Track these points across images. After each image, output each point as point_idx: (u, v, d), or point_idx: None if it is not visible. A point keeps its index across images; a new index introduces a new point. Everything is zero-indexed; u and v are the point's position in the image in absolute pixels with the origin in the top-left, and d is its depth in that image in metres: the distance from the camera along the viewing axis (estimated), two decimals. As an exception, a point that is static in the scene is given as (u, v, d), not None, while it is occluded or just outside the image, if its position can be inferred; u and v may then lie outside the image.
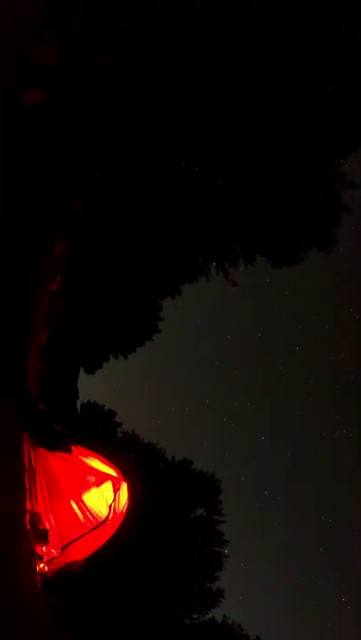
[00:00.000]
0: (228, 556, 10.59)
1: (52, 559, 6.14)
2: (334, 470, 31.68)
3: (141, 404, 31.34)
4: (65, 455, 6.57)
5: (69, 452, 6.56)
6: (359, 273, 28.57)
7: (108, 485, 6.71)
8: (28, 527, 5.84)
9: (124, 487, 6.66)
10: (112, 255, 8.87)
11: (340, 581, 29.84)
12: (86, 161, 7.37)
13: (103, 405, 11.20)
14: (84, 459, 6.69)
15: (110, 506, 6.48)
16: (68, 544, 6.29)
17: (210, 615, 10.32)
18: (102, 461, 6.73)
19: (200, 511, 10.59)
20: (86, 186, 7.59)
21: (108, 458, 6.79)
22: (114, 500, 6.55)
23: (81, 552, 6.37)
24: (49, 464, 6.56)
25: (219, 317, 32.38)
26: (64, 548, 6.28)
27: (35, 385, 7.23)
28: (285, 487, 32.37)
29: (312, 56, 7.21)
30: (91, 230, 8.14)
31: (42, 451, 6.54)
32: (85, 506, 6.59)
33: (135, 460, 10.36)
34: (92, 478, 6.72)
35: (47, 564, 6.06)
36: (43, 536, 6.13)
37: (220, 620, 10.34)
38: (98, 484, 6.72)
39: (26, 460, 6.13)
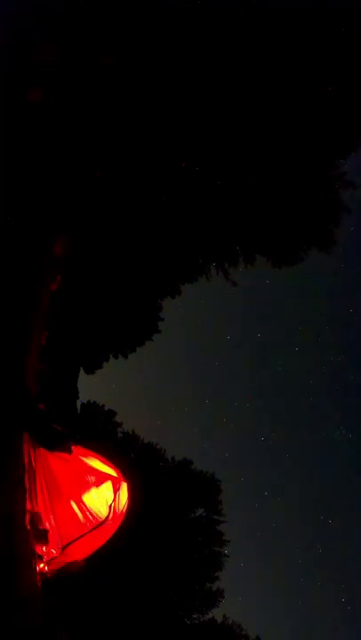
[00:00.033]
0: (228, 556, 10.60)
1: (52, 559, 6.14)
2: (334, 471, 31.71)
3: (141, 404, 31.36)
4: (65, 455, 6.57)
5: (69, 452, 6.56)
6: (359, 273, 28.58)
7: (108, 485, 6.71)
8: (28, 527, 5.83)
9: (124, 487, 6.67)
10: (112, 255, 8.87)
11: (340, 582, 29.86)
12: (86, 161, 7.37)
13: (103, 405, 11.20)
14: (84, 459, 6.69)
15: (110, 506, 6.49)
16: (68, 544, 6.30)
17: (210, 615, 10.32)
18: (102, 461, 6.73)
19: (200, 511, 10.59)
20: (86, 186, 7.59)
21: (108, 458, 6.79)
22: (114, 500, 6.55)
23: (81, 552, 6.37)
24: (49, 464, 6.56)
25: (219, 317, 32.40)
26: (64, 547, 6.28)
27: (35, 385, 7.23)
28: (285, 487, 32.38)
29: (312, 56, 7.21)
30: (91, 230, 8.14)
31: (42, 451, 6.54)
32: (85, 506, 6.59)
33: (135, 460, 10.36)
34: (92, 478, 6.72)
35: (47, 563, 6.06)
36: (43, 536, 6.13)
37: (220, 620, 10.34)
38: (98, 483, 6.72)
39: (26, 460, 6.13)
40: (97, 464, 6.71)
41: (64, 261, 7.83)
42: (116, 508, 6.53)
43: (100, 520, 6.48)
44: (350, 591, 29.06)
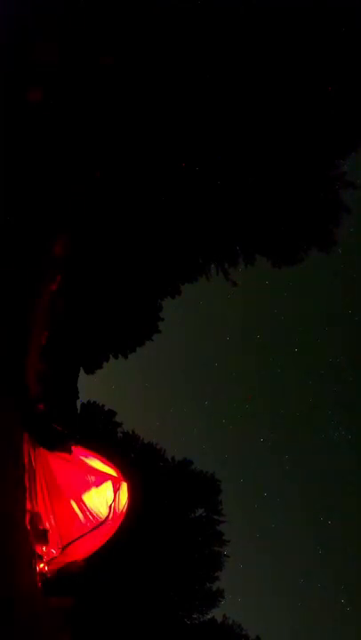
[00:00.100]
0: (228, 556, 10.59)
1: (52, 559, 6.14)
2: (333, 471, 31.70)
3: (141, 404, 31.36)
4: (65, 455, 6.58)
5: (69, 452, 6.57)
6: (359, 273, 28.57)
7: (108, 485, 6.71)
8: (28, 527, 5.84)
9: (124, 487, 6.67)
10: (112, 255, 8.87)
11: (340, 582, 29.84)
12: (86, 161, 7.37)
13: (103, 405, 11.20)
14: (84, 459, 6.69)
15: (110, 506, 6.49)
16: (68, 544, 6.30)
17: (210, 615, 10.32)
18: (102, 461, 6.73)
19: (200, 511, 10.59)
20: (86, 186, 7.59)
21: (108, 458, 6.79)
22: (114, 500, 6.55)
23: (81, 552, 6.37)
24: (49, 464, 6.56)
25: (219, 318, 32.41)
26: (64, 547, 6.29)
27: (35, 385, 7.24)
28: (285, 488, 32.38)
29: (312, 56, 7.21)
30: (91, 230, 8.14)
31: (42, 451, 6.54)
32: (85, 506, 6.59)
33: (135, 460, 10.36)
34: (92, 478, 6.73)
35: (47, 563, 6.06)
36: (43, 536, 6.13)
37: (220, 619, 10.34)
38: (98, 483, 6.73)
39: (26, 460, 6.14)
40: (97, 464, 6.71)
41: (64, 261, 7.83)
42: (116, 508, 6.53)
43: (100, 520, 6.48)
44: (350, 592, 29.10)
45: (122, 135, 7.33)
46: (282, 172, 8.02)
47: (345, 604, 28.85)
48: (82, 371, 11.03)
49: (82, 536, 6.33)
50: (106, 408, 11.19)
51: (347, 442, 30.46)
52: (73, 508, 6.53)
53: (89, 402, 11.15)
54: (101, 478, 6.71)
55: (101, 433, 10.73)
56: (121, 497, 6.61)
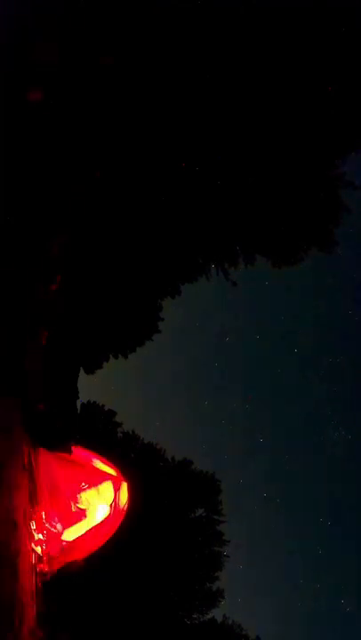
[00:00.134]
0: (228, 556, 10.59)
1: (52, 559, 6.14)
2: (333, 471, 31.69)
3: (141, 404, 31.36)
4: (65, 455, 6.58)
5: (69, 452, 6.58)
6: (359, 273, 28.58)
7: (108, 485, 6.72)
8: (28, 527, 5.84)
9: (124, 487, 6.68)
10: (112, 255, 8.86)
11: (340, 583, 29.84)
12: (86, 161, 7.37)
13: (103, 405, 11.20)
14: (85, 459, 6.70)
15: (110, 505, 6.50)
16: (68, 544, 6.30)
17: (210, 615, 10.32)
18: (102, 461, 6.74)
19: (200, 511, 10.59)
20: (86, 186, 7.59)
21: (108, 458, 6.80)
22: (114, 499, 6.56)
23: (81, 552, 6.38)
24: (49, 464, 6.57)
25: (218, 318, 32.40)
26: (64, 548, 6.29)
27: (35, 385, 7.23)
28: (284, 488, 32.37)
29: (312, 56, 7.21)
30: (91, 230, 8.14)
31: (42, 451, 6.54)
32: (85, 506, 6.59)
33: (135, 460, 10.35)
34: (93, 478, 6.73)
35: (47, 564, 6.06)
36: (43, 536, 6.13)
37: (220, 619, 10.34)
38: (98, 483, 6.74)
39: (26, 460, 6.14)
40: (97, 464, 6.72)
41: (64, 261, 7.83)
42: (117, 508, 6.54)
43: (100, 520, 6.49)
44: (350, 592, 29.10)
45: (122, 135, 7.33)
46: (282, 172, 8.02)
47: (345, 605, 28.86)
48: (82, 371, 11.03)
49: (82, 536, 6.34)
50: (106, 408, 11.20)
51: (347, 442, 30.47)
52: (73, 508, 6.53)
53: (89, 402, 11.16)
54: (101, 478, 6.72)
55: (101, 433, 10.73)
56: (121, 497, 6.62)
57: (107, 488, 6.69)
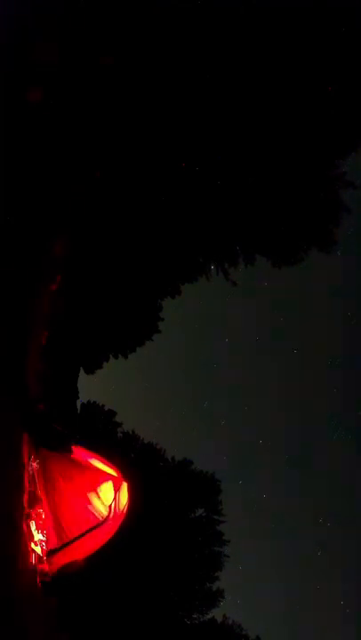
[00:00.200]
0: (227, 556, 10.59)
1: (52, 559, 6.14)
2: (333, 471, 31.68)
3: (141, 404, 31.34)
4: (65, 455, 6.58)
5: (69, 452, 6.57)
6: (359, 273, 28.57)
7: (108, 485, 6.71)
8: (28, 527, 5.84)
9: (125, 487, 6.66)
10: (112, 255, 8.87)
11: (339, 583, 29.82)
12: (86, 161, 7.37)
13: (103, 405, 11.21)
14: (84, 459, 6.69)
15: (110, 506, 6.49)
16: (68, 544, 6.29)
17: (210, 615, 10.32)
18: (102, 461, 6.73)
19: (200, 511, 10.59)
20: (86, 186, 7.59)
21: (108, 458, 6.79)
22: (114, 499, 6.55)
23: (81, 552, 6.37)
24: (49, 464, 6.56)
25: (218, 318, 32.40)
26: (64, 547, 6.28)
27: (35, 385, 7.24)
28: (284, 488, 32.37)
29: (312, 56, 7.21)
30: (91, 230, 8.14)
31: (42, 451, 6.54)
32: (85, 505, 6.59)
33: (135, 460, 10.35)
34: (92, 478, 6.73)
35: (47, 563, 6.06)
36: (43, 536, 6.13)
37: (220, 619, 10.35)
38: (98, 483, 6.73)
39: (26, 460, 6.14)
40: (97, 464, 6.71)
41: (64, 261, 7.84)
42: (117, 508, 6.53)
43: (99, 520, 6.48)
44: (349, 592, 29.09)
45: (122, 135, 7.33)
46: (282, 172, 8.02)
47: (344, 605, 28.85)
48: (82, 371, 11.04)
49: (82, 536, 6.33)
50: (106, 408, 11.20)
51: (346, 442, 30.46)
52: (73, 508, 6.53)
53: (89, 402, 11.16)
54: (101, 478, 6.71)
55: (101, 433, 10.73)
56: (121, 497, 6.61)
57: (107, 488, 6.68)
